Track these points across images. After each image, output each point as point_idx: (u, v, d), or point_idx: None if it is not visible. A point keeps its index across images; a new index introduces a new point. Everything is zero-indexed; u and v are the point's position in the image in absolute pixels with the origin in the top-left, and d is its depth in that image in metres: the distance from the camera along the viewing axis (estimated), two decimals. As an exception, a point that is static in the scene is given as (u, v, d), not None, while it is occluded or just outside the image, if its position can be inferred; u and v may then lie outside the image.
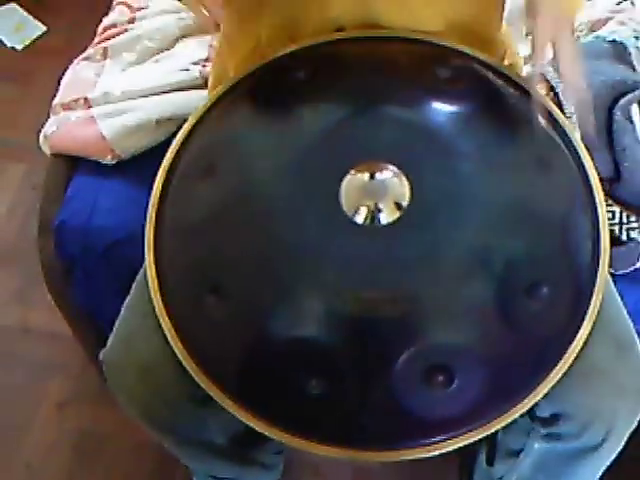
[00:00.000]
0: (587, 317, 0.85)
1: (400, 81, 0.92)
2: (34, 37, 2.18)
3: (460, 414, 0.83)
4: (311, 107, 0.92)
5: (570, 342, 0.84)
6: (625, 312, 0.98)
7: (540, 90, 1.26)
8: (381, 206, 0.83)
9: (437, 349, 0.81)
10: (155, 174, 0.94)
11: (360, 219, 0.83)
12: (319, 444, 0.83)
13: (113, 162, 1.28)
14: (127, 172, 1.28)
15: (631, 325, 0.97)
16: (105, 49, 1.44)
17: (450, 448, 0.83)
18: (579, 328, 0.85)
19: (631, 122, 1.22)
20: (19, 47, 2.16)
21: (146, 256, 0.89)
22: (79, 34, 1.61)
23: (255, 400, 0.85)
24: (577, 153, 0.91)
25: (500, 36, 1.08)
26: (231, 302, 0.84)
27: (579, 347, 0.84)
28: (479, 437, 0.83)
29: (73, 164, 1.32)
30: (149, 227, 0.90)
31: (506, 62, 1.07)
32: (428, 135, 0.87)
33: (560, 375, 0.84)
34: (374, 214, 0.83)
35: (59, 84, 1.41)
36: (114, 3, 1.54)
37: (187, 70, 1.35)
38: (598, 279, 0.86)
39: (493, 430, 0.83)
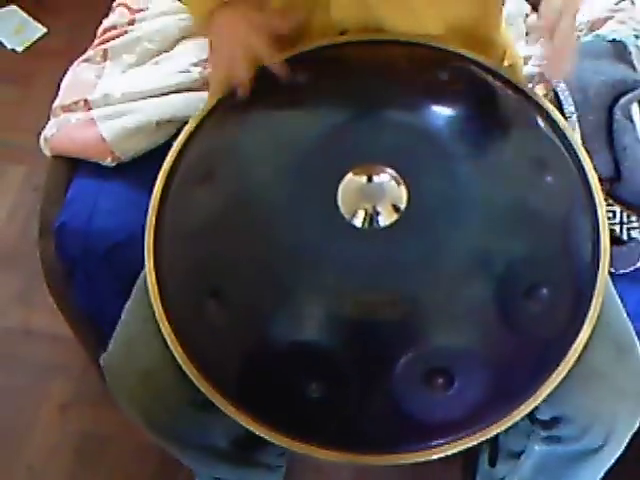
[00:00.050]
0: (587, 319, 0.85)
1: (400, 84, 0.92)
2: (34, 39, 2.17)
3: (460, 417, 0.83)
4: (310, 111, 0.92)
5: (570, 344, 0.84)
6: (625, 314, 0.98)
7: (540, 90, 1.26)
8: (379, 209, 0.83)
9: (437, 352, 0.81)
10: (155, 176, 0.94)
11: (358, 222, 0.83)
12: (320, 448, 0.84)
13: (113, 164, 1.28)
14: (127, 174, 1.28)
15: (631, 327, 0.97)
16: (105, 51, 1.43)
17: (450, 451, 0.83)
18: (579, 330, 0.85)
19: (631, 121, 1.21)
20: (19, 49, 2.16)
21: (146, 262, 0.89)
22: (79, 36, 1.61)
23: (255, 404, 0.85)
24: (576, 155, 0.91)
25: (500, 37, 1.07)
26: (231, 307, 0.84)
27: (580, 350, 0.85)
28: (479, 441, 0.83)
29: (73, 166, 1.32)
30: (149, 233, 0.90)
31: (506, 63, 1.07)
32: (427, 138, 0.87)
33: (561, 378, 0.84)
34: (372, 217, 0.83)
35: (59, 86, 1.41)
36: (114, 5, 1.54)
37: (187, 72, 1.35)
38: (598, 281, 0.86)
39: (493, 433, 0.84)
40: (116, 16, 1.49)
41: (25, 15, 2.22)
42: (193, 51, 1.40)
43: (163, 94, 1.33)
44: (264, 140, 0.89)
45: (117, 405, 0.99)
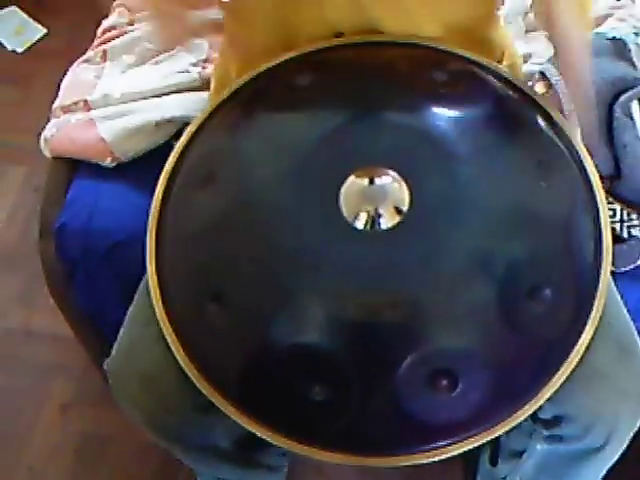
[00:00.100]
0: (590, 320, 0.85)
1: (399, 86, 0.92)
2: (34, 40, 2.18)
3: (464, 418, 0.83)
4: (310, 113, 0.91)
5: (573, 345, 0.84)
6: (626, 313, 0.98)
7: (539, 88, 1.26)
8: (381, 211, 0.82)
9: (440, 354, 0.81)
10: (155, 176, 0.94)
11: (360, 224, 0.82)
12: (322, 450, 0.84)
13: (113, 165, 1.28)
14: (127, 174, 1.28)
15: (633, 327, 0.97)
16: (105, 51, 1.43)
17: (454, 453, 0.83)
18: (582, 331, 0.85)
19: (631, 119, 1.21)
20: (19, 50, 2.17)
21: (147, 264, 0.89)
22: (79, 36, 1.61)
23: (257, 406, 0.85)
24: (577, 154, 0.91)
25: (498, 37, 1.07)
26: (232, 310, 0.84)
27: (582, 350, 0.84)
28: (483, 441, 0.83)
29: (73, 167, 1.32)
30: (150, 236, 0.90)
31: (505, 63, 1.06)
32: (427, 140, 0.86)
33: (564, 378, 0.84)
34: (374, 219, 0.82)
35: (59, 86, 1.41)
36: (114, 5, 1.54)
37: (186, 72, 1.35)
38: (601, 281, 0.85)
39: (497, 434, 0.83)
40: (116, 16, 1.49)
41: (25, 16, 2.22)
42: (192, 51, 1.40)
43: (163, 94, 1.33)
44: (265, 142, 0.89)
45: (118, 405, 0.99)
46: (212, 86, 1.19)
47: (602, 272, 0.86)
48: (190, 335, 0.87)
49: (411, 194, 0.83)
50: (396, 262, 0.81)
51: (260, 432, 0.84)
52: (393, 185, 0.83)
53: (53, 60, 1.77)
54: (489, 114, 0.92)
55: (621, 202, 1.20)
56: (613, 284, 0.99)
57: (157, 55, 1.41)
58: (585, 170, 0.90)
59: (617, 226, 1.19)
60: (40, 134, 1.34)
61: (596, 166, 1.08)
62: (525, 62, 1.32)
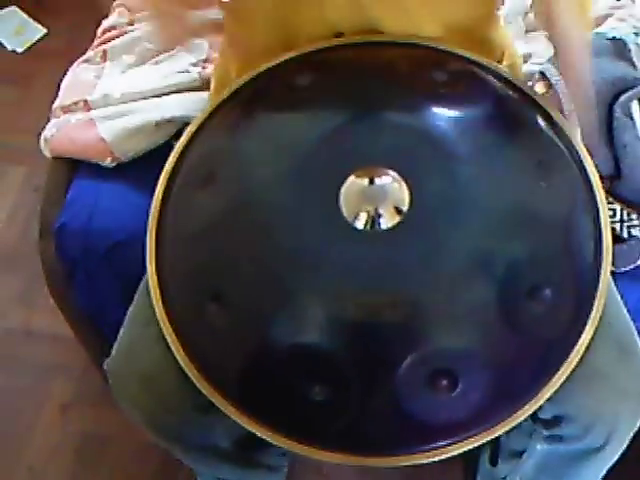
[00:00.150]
0: (590, 320, 0.85)
1: (399, 86, 0.92)
2: (34, 40, 2.18)
3: (464, 418, 0.83)
4: (310, 113, 0.91)
5: (573, 345, 0.84)
6: (626, 312, 0.98)
7: (540, 88, 1.26)
8: (381, 211, 0.82)
9: (440, 354, 0.81)
10: (155, 176, 0.94)
11: (360, 224, 0.82)
12: (322, 450, 0.84)
13: (113, 165, 1.28)
14: (127, 174, 1.28)
15: (633, 327, 0.97)
16: (105, 51, 1.43)
17: (454, 453, 0.83)
18: (582, 331, 0.85)
19: (631, 119, 1.21)
20: (19, 50, 2.17)
21: (147, 265, 0.89)
22: (79, 36, 1.61)
23: (257, 406, 0.85)
24: (577, 154, 0.91)
25: (498, 37, 1.07)
26: (232, 309, 0.84)
27: (582, 350, 0.84)
28: (483, 441, 0.83)
29: (73, 167, 1.32)
30: (150, 236, 0.90)
31: (505, 63, 1.06)
32: (427, 140, 0.86)
33: (564, 378, 0.84)
34: (374, 219, 0.82)
35: (59, 87, 1.41)
36: (114, 5, 1.54)
37: (186, 72, 1.35)
38: (601, 281, 0.85)
39: (497, 434, 0.83)
40: (116, 16, 1.49)
41: (25, 16, 2.22)
42: (192, 51, 1.40)
43: (162, 94, 1.33)
44: (265, 142, 0.89)
45: (118, 405, 0.99)
46: (212, 86, 1.19)
47: (602, 272, 0.86)
48: (190, 335, 0.87)
49: (411, 194, 0.83)
50: (396, 262, 0.81)
51: (260, 432, 0.84)
52: (393, 185, 0.83)
53: (53, 60, 1.77)
54: (489, 114, 0.92)
55: (621, 202, 1.20)
56: (613, 284, 0.99)
57: (157, 55, 1.41)
58: (585, 170, 0.90)
59: (617, 226, 1.19)
60: (40, 134, 1.34)
61: (596, 166, 1.08)
62: (525, 62, 1.32)
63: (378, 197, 0.83)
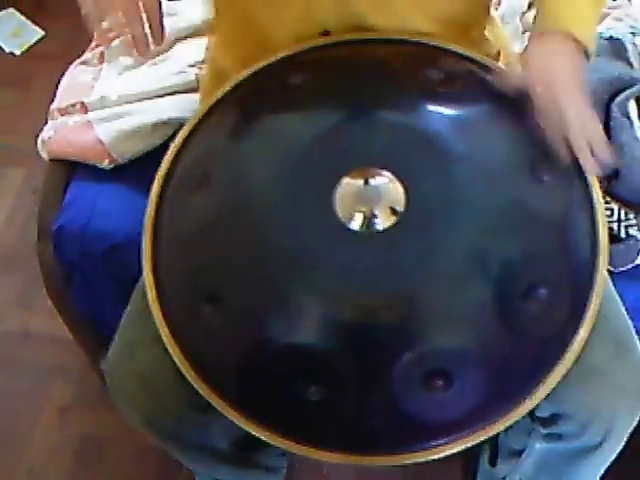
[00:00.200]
0: (586, 318, 0.85)
1: (393, 84, 0.92)
2: (32, 42, 2.18)
3: (460, 417, 0.83)
4: (304, 113, 0.91)
5: (570, 343, 0.84)
6: (624, 311, 0.98)
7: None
8: (376, 212, 0.82)
9: (436, 353, 0.81)
10: (152, 178, 0.94)
11: (355, 225, 0.82)
12: (319, 450, 0.84)
13: (110, 166, 1.28)
14: (125, 176, 1.28)
15: (630, 324, 0.97)
16: (102, 53, 1.44)
17: (451, 451, 0.83)
18: (578, 329, 0.84)
19: (628, 119, 1.21)
20: (17, 52, 2.17)
21: (143, 265, 0.89)
22: (77, 39, 1.61)
23: (254, 406, 0.85)
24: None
25: (493, 36, 1.07)
26: (228, 310, 0.84)
27: (578, 349, 0.84)
28: (480, 440, 0.83)
29: (71, 169, 1.32)
30: (146, 237, 0.90)
31: (501, 62, 1.06)
32: (422, 139, 0.86)
33: (560, 377, 0.84)
34: (369, 220, 0.82)
35: (57, 89, 1.41)
36: (111, 7, 1.53)
37: (184, 73, 1.35)
38: (597, 279, 0.85)
39: (493, 433, 0.84)
40: (113, 18, 1.49)
41: (23, 18, 2.22)
42: (190, 53, 1.40)
43: (159, 96, 1.33)
44: (259, 143, 0.89)
45: (116, 407, 0.99)
46: (203, 87, 1.19)
47: (598, 270, 0.86)
48: (186, 336, 0.87)
49: (406, 194, 0.83)
50: (392, 262, 0.81)
51: (257, 432, 0.85)
52: (388, 186, 0.83)
53: (51, 62, 1.76)
54: (485, 112, 0.92)
55: (619, 202, 1.20)
56: (610, 282, 0.99)
57: (154, 57, 1.41)
58: (581, 169, 0.90)
59: (615, 226, 1.19)
60: (38, 136, 1.34)
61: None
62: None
63: (373, 198, 0.83)
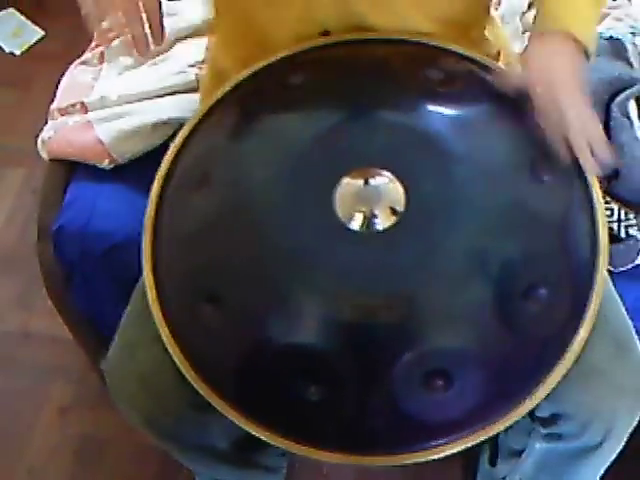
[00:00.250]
0: (586, 318, 0.85)
1: (393, 84, 0.92)
2: (32, 42, 2.18)
3: (460, 417, 0.83)
4: (304, 113, 0.91)
5: (569, 344, 0.84)
6: (624, 311, 0.98)
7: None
8: (376, 212, 0.82)
9: (436, 353, 0.81)
10: (152, 178, 0.94)
11: (355, 225, 0.82)
12: (319, 450, 0.84)
13: (110, 167, 1.28)
14: (125, 176, 1.28)
15: (630, 324, 0.97)
16: (102, 53, 1.44)
17: (450, 452, 0.83)
18: (578, 329, 0.84)
19: (628, 119, 1.21)
20: (17, 52, 2.17)
21: (143, 264, 0.89)
22: (77, 39, 1.61)
23: (254, 406, 0.85)
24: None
25: (493, 36, 1.07)
26: (228, 310, 0.84)
27: (578, 349, 0.84)
28: (479, 440, 0.83)
29: (71, 169, 1.32)
30: (146, 237, 0.90)
31: (501, 62, 1.06)
32: (422, 139, 0.86)
33: (561, 376, 0.84)
34: (369, 220, 0.82)
35: (57, 89, 1.41)
36: (110, 7, 1.53)
37: (184, 73, 1.35)
38: (597, 279, 0.85)
39: (493, 433, 0.84)
40: (113, 18, 1.49)
41: (23, 18, 2.23)
42: (190, 53, 1.40)
43: (159, 96, 1.33)
44: (259, 142, 0.89)
45: (116, 407, 0.99)
46: (202, 87, 1.19)
47: (598, 270, 0.85)
48: (187, 336, 0.87)
49: (406, 194, 0.83)
50: (392, 263, 0.81)
51: (257, 432, 0.85)
52: (388, 186, 0.83)
53: (51, 62, 1.76)
54: (485, 112, 0.92)
55: (619, 202, 1.20)
56: (610, 282, 0.99)
57: (154, 57, 1.41)
58: (581, 168, 0.90)
59: (615, 226, 1.19)
60: (38, 136, 1.34)
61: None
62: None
63: (373, 198, 0.83)
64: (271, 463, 1.16)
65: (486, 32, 1.06)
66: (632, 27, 1.34)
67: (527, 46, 0.92)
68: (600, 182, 0.90)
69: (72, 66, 1.44)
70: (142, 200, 0.94)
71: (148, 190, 0.94)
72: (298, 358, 0.81)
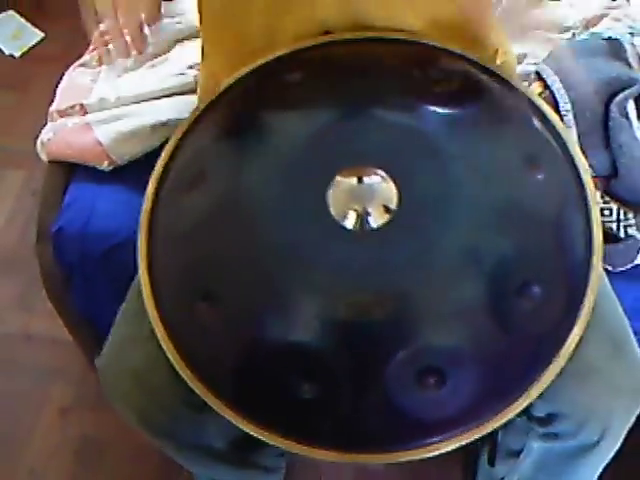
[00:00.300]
0: (580, 316, 0.85)
1: (389, 83, 0.92)
2: (32, 44, 2.19)
3: (454, 415, 0.83)
4: (299, 111, 0.91)
5: (564, 341, 0.84)
6: (620, 310, 0.98)
7: (536, 89, 1.26)
8: (370, 210, 0.82)
9: (429, 351, 0.81)
10: (151, 180, 0.95)
11: (349, 223, 0.82)
12: (314, 448, 0.84)
13: (110, 168, 1.28)
14: (124, 177, 1.28)
15: (627, 323, 0.97)
16: (101, 55, 1.44)
17: (445, 449, 0.83)
18: (572, 327, 0.84)
19: (627, 119, 1.21)
20: (17, 54, 2.17)
21: (139, 264, 0.89)
22: (77, 41, 1.62)
23: (249, 405, 0.85)
24: (570, 152, 0.91)
25: (491, 35, 1.07)
26: (223, 308, 0.84)
27: (573, 346, 0.84)
28: (474, 437, 0.83)
29: (70, 171, 1.32)
30: (141, 235, 0.90)
31: (498, 61, 1.06)
32: (417, 137, 0.86)
33: (555, 374, 0.84)
34: (363, 218, 0.82)
35: (56, 91, 1.41)
36: (109, 9, 1.54)
37: (183, 75, 1.36)
38: (591, 277, 0.85)
39: (488, 431, 0.83)
40: (110, 21, 1.49)
41: (23, 20, 2.23)
42: (189, 53, 1.40)
43: (158, 98, 1.33)
44: (254, 141, 0.89)
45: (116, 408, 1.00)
46: (198, 90, 1.19)
47: (592, 269, 0.86)
48: (182, 334, 0.87)
49: (400, 192, 0.83)
50: (386, 261, 0.81)
51: (252, 430, 0.84)
52: (381, 184, 0.83)
53: (50, 64, 1.76)
54: (480, 111, 0.92)
55: (618, 201, 1.20)
56: (607, 281, 0.99)
57: (153, 58, 1.41)
58: (577, 168, 0.90)
59: (614, 225, 1.19)
60: (37, 138, 1.35)
61: (593, 166, 1.08)
62: (520, 63, 1.32)
63: (366, 196, 0.83)
64: (269, 463, 1.16)
65: (486, 32, 1.06)
66: (630, 27, 1.35)
67: None
68: (599, 182, 0.91)
69: (71, 68, 1.44)
70: (141, 201, 0.94)
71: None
72: (293, 356, 0.81)
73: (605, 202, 1.19)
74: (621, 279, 1.09)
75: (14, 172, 1.90)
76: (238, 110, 0.94)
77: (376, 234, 0.82)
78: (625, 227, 1.19)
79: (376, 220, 0.82)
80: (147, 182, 0.94)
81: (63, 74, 1.44)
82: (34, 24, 2.21)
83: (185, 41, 1.44)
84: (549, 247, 0.86)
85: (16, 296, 1.70)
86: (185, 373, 0.86)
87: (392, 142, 0.87)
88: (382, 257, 0.82)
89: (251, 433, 0.85)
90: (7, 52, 2.18)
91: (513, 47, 1.17)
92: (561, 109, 1.23)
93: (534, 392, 0.83)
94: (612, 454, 1.00)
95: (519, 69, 1.26)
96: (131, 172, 1.28)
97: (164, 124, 1.27)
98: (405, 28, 0.97)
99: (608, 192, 1.20)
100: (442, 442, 0.83)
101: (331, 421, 0.83)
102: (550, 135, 0.91)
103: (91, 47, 1.46)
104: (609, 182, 1.21)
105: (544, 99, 1.13)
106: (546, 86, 1.26)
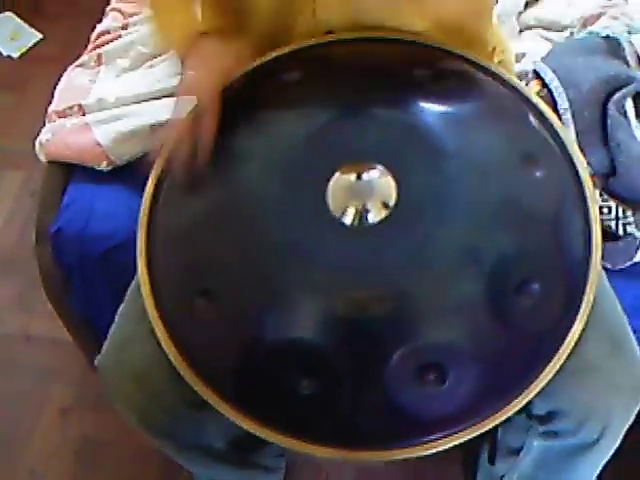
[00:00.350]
0: (579, 314, 0.85)
1: (387, 82, 0.92)
2: (30, 45, 2.19)
3: (453, 412, 0.83)
4: (298, 110, 0.92)
5: (563, 339, 0.84)
6: (620, 308, 0.98)
7: (534, 87, 1.26)
8: (368, 206, 0.83)
9: (429, 348, 0.81)
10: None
11: (348, 220, 0.83)
12: (314, 445, 0.84)
13: (109, 169, 1.28)
14: (123, 178, 1.28)
15: (626, 321, 0.97)
16: (99, 55, 1.44)
17: (444, 447, 0.83)
18: (572, 325, 0.85)
19: (625, 117, 1.21)
20: (15, 55, 2.17)
21: (138, 263, 0.90)
22: (75, 41, 1.61)
23: (249, 403, 0.85)
24: (568, 150, 0.91)
25: (490, 34, 1.07)
26: (221, 305, 0.84)
27: (572, 343, 0.84)
28: (473, 435, 0.83)
29: (69, 171, 1.32)
30: (141, 235, 0.91)
31: (496, 59, 1.06)
32: (416, 135, 0.87)
33: (554, 372, 0.84)
34: (362, 214, 0.83)
35: (55, 91, 1.41)
36: (107, 9, 1.54)
37: (181, 75, 1.35)
38: (590, 275, 0.85)
39: (487, 428, 0.84)
40: (109, 21, 1.50)
41: (21, 22, 2.23)
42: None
43: (157, 98, 1.33)
44: (253, 139, 0.89)
45: (117, 409, 0.99)
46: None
47: (591, 267, 0.86)
48: (182, 333, 0.87)
49: (398, 189, 0.83)
50: (385, 257, 0.82)
51: (253, 428, 0.84)
52: (380, 180, 0.84)
53: (49, 65, 1.77)
54: (478, 109, 0.92)
55: (616, 200, 1.20)
56: (607, 280, 0.99)
57: (151, 59, 1.41)
58: (575, 166, 0.90)
59: (613, 223, 1.19)
60: (36, 139, 1.35)
61: (591, 164, 1.08)
62: (518, 62, 1.32)
63: (365, 192, 0.83)
64: (269, 463, 1.16)
65: (484, 31, 1.06)
66: (628, 26, 1.35)
67: None
68: (597, 180, 0.91)
69: (69, 69, 1.44)
70: (140, 202, 0.94)
71: (145, 192, 0.94)
72: (292, 353, 0.82)
73: (604, 200, 1.19)
74: (620, 277, 1.09)
75: (13, 173, 1.90)
76: (236, 110, 0.94)
77: (374, 232, 0.83)
78: (624, 225, 1.19)
79: (375, 216, 0.83)
80: (146, 183, 0.94)
81: (61, 75, 1.44)
82: (32, 25, 2.21)
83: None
84: (548, 245, 0.86)
85: (15, 297, 1.70)
86: (185, 372, 0.86)
87: (391, 141, 0.87)
88: (381, 253, 0.82)
89: (251, 431, 0.85)
90: (5, 53, 2.17)
91: (511, 45, 1.17)
92: (559, 107, 1.23)
93: (534, 390, 0.84)
94: (612, 452, 1.00)
95: (517, 68, 1.26)
96: (130, 173, 1.27)
97: (163, 124, 1.27)
98: (408, 28, 0.97)
99: (606, 190, 1.20)
100: (442, 439, 0.83)
101: (331, 418, 0.84)
102: (548, 133, 0.92)
103: (90, 47, 1.46)
104: (607, 180, 1.21)
105: (542, 98, 1.13)
106: (544, 85, 1.26)
